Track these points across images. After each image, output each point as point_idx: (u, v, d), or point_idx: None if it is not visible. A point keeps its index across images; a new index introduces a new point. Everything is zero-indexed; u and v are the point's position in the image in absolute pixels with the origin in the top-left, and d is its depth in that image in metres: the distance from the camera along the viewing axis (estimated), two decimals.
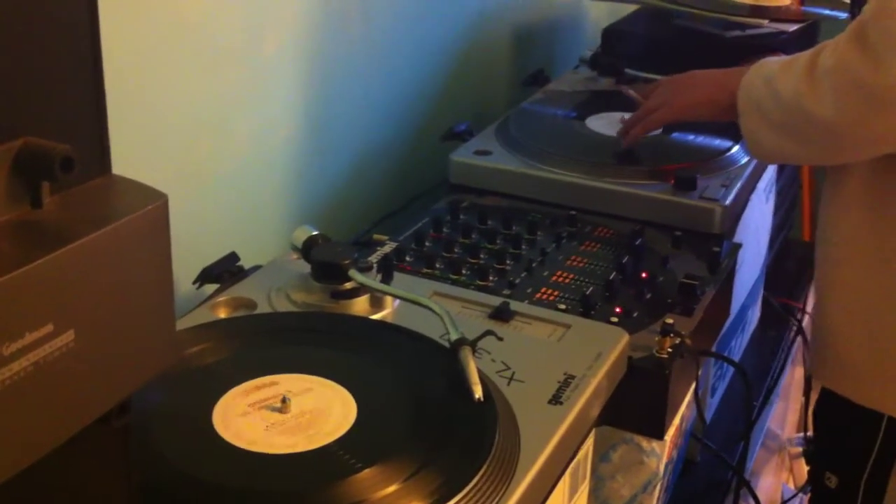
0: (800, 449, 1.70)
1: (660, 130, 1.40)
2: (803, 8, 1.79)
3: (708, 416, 1.31)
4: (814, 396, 1.28)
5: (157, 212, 0.49)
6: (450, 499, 0.69)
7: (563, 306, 1.03)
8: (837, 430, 1.23)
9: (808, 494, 1.34)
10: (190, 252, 1.05)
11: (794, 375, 1.76)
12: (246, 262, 1.05)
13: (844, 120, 0.99)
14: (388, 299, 0.96)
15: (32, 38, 0.46)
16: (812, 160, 1.22)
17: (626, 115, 1.41)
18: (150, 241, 0.49)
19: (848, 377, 1.15)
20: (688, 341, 0.97)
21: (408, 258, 1.13)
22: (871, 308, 1.11)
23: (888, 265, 1.09)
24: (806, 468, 1.41)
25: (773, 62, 1.10)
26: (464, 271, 1.10)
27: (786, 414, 1.82)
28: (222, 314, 0.95)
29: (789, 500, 1.53)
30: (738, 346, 1.46)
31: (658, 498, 1.04)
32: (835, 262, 1.15)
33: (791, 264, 1.83)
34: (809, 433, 1.31)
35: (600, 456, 0.99)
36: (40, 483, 0.49)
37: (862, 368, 1.13)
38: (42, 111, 0.47)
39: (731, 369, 1.38)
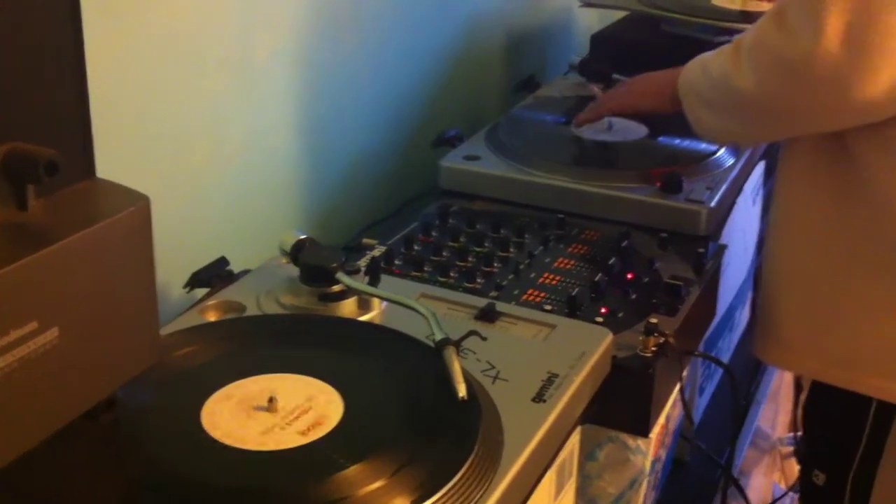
0: (790, 448, 1.71)
1: (644, 134, 1.42)
2: None
3: (697, 415, 1.33)
4: (803, 397, 1.30)
5: (139, 213, 0.50)
6: (434, 493, 0.71)
7: (549, 307, 1.05)
8: (825, 428, 1.24)
9: (798, 493, 1.35)
10: (180, 257, 1.07)
11: (784, 377, 1.77)
12: (236, 266, 1.07)
13: (765, 92, 1.04)
14: (376, 301, 0.97)
15: (17, 48, 0.48)
16: (753, 137, 1.25)
17: (613, 120, 1.43)
18: (133, 242, 0.50)
19: (788, 352, 1.19)
20: (671, 340, 0.99)
21: (397, 262, 1.14)
22: (812, 283, 1.14)
23: (828, 242, 1.12)
24: (797, 468, 1.42)
25: (710, 52, 1.15)
26: (452, 274, 1.11)
27: (777, 414, 1.83)
28: (212, 317, 0.96)
29: (779, 499, 1.54)
30: (727, 347, 1.47)
31: (645, 495, 1.05)
32: (778, 241, 1.19)
33: None
34: (800, 433, 1.32)
35: (587, 454, 1.01)
36: (34, 477, 0.51)
37: (801, 344, 1.16)
38: (28, 117, 0.49)
39: (719, 370, 1.39)
